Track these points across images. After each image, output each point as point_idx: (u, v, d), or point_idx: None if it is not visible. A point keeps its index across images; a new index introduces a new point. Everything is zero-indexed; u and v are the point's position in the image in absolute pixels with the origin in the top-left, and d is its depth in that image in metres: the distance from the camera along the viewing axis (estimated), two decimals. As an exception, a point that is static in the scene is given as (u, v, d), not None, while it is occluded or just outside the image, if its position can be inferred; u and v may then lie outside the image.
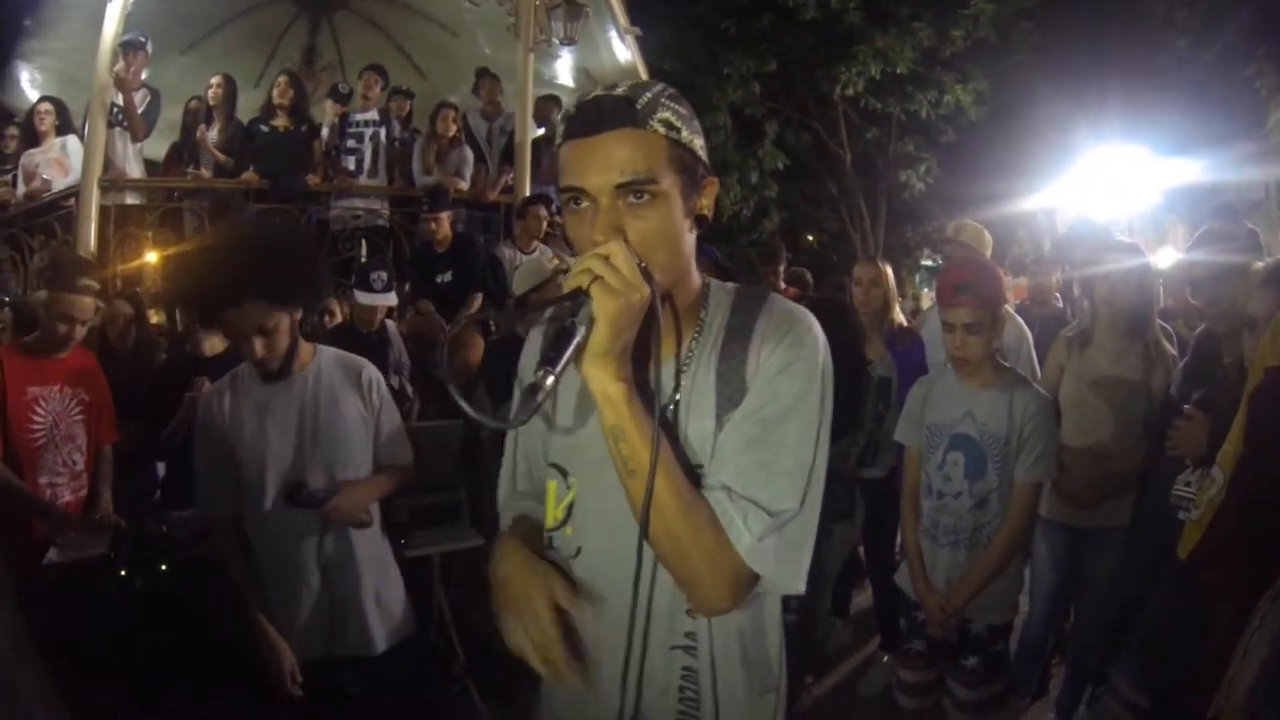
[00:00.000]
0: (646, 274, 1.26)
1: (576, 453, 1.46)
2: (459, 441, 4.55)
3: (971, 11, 13.55)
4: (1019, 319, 4.60)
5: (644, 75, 9.14)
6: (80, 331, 3.62)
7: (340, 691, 2.71)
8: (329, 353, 2.84)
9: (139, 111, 7.01)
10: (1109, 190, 12.73)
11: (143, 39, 6.91)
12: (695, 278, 1.46)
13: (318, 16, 9.53)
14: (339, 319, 5.63)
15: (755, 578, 1.35)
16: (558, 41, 7.94)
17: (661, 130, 1.31)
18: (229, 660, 2.84)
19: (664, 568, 1.36)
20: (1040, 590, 3.83)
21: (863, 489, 4.08)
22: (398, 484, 2.90)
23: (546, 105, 8.33)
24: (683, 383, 1.42)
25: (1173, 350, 3.66)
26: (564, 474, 1.50)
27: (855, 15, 13.89)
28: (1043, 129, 13.45)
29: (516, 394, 1.55)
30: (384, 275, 5.12)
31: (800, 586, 1.38)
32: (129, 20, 6.93)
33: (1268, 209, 12.73)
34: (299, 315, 2.68)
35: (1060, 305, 5.56)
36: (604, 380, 1.25)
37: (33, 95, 7.82)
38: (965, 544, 3.04)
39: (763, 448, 1.35)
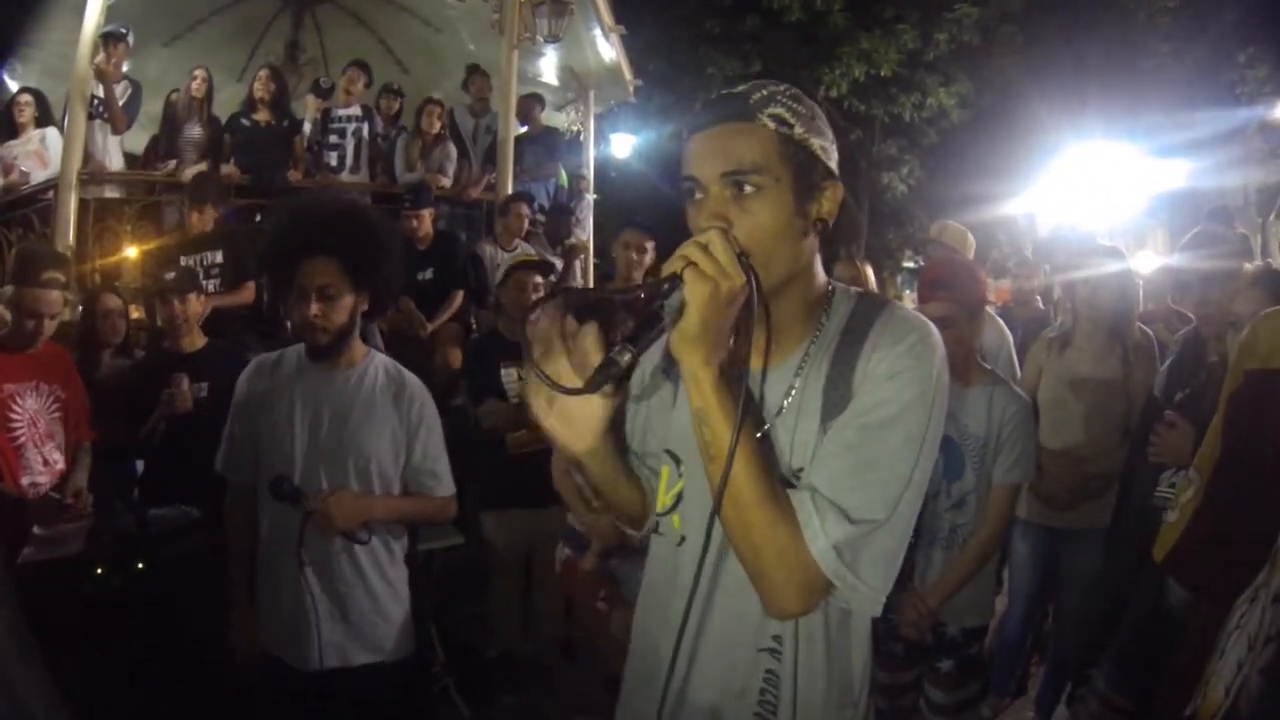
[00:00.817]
0: (746, 264, 1.25)
1: (690, 441, 1.43)
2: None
3: (955, 15, 13.61)
4: (1000, 321, 4.62)
5: (628, 75, 9.14)
6: (49, 326, 3.55)
7: (325, 700, 2.62)
8: (381, 360, 2.77)
9: (120, 104, 6.95)
10: (1090, 194, 12.82)
11: (124, 30, 6.83)
12: (816, 281, 1.45)
13: (301, 11, 9.44)
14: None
15: (829, 584, 1.31)
16: (542, 39, 7.90)
17: (771, 125, 1.33)
18: (204, 659, 2.82)
19: (737, 559, 1.35)
20: (1019, 590, 3.84)
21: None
22: (418, 514, 2.80)
23: (529, 103, 8.30)
24: (796, 385, 1.42)
25: (1154, 353, 3.68)
26: (677, 461, 1.50)
27: (840, 17, 13.94)
28: (1025, 132, 13.54)
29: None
30: None
31: (877, 607, 1.35)
32: (111, 12, 6.85)
33: (1248, 213, 12.86)
34: (364, 306, 2.65)
35: (1042, 307, 5.59)
36: (692, 363, 1.26)
37: (12, 86, 7.73)
38: (942, 544, 3.03)
39: (859, 454, 1.32)
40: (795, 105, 1.36)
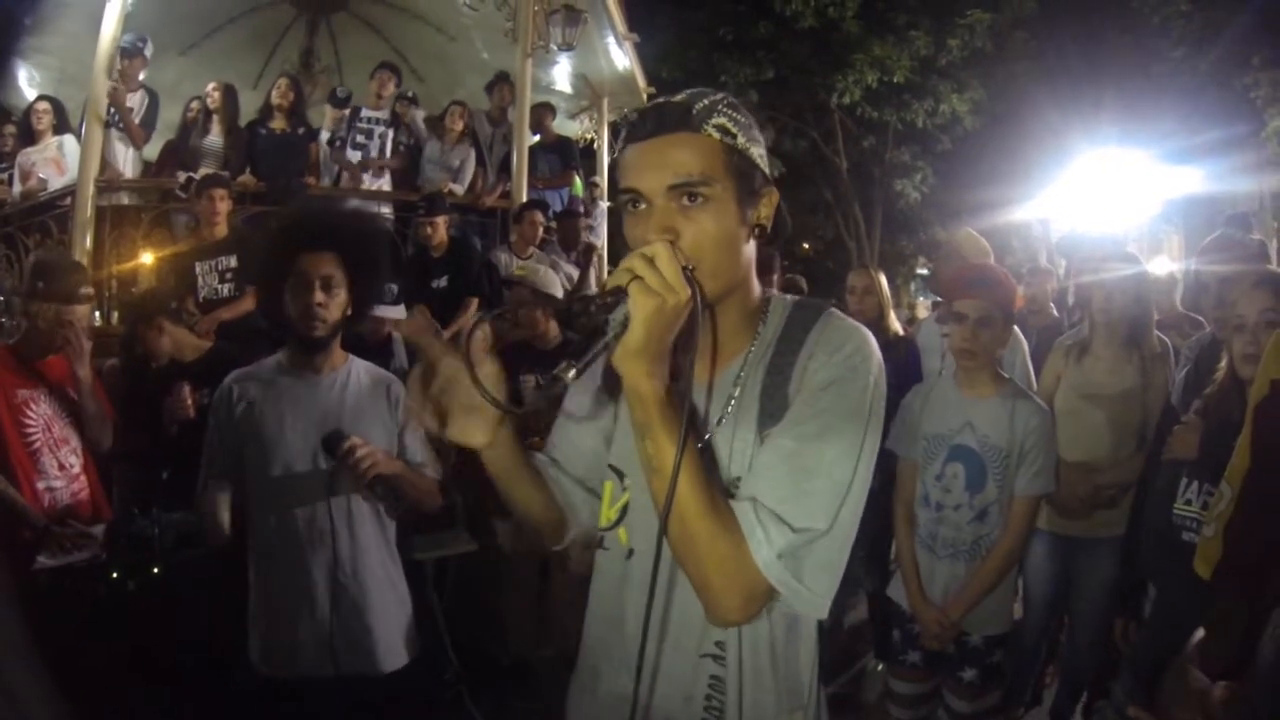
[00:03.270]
0: (691, 277, 1.25)
1: (634, 455, 1.44)
2: (455, 447, 4.52)
3: (968, 21, 13.60)
4: (1015, 328, 4.59)
5: (641, 82, 9.16)
6: (82, 337, 3.58)
7: (337, 711, 2.62)
8: (360, 362, 2.79)
9: (138, 114, 6.98)
10: (1104, 200, 12.76)
11: (141, 44, 6.88)
12: (755, 289, 1.47)
13: (316, 19, 9.50)
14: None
15: (770, 592, 1.32)
16: (556, 47, 7.93)
17: (716, 135, 1.34)
18: (216, 661, 2.82)
19: (681, 569, 1.35)
20: (1034, 599, 3.82)
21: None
22: (417, 485, 2.69)
23: (540, 112, 8.33)
24: (734, 395, 1.43)
25: (1170, 361, 3.65)
26: (621, 476, 1.51)
27: (852, 24, 13.95)
28: (1038, 138, 13.50)
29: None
30: (394, 288, 5.03)
31: (823, 611, 1.36)
32: (128, 20, 6.88)
33: (1262, 218, 12.77)
34: (349, 309, 2.68)
35: (1056, 315, 5.56)
36: (636, 377, 1.25)
37: (30, 93, 7.78)
38: (965, 556, 3.02)
39: (797, 462, 1.33)
40: (736, 115, 1.37)
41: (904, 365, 4.46)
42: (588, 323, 1.23)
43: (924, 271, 19.02)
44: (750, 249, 1.41)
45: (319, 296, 2.56)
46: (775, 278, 7.14)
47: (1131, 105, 12.64)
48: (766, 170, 1.41)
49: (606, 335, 1.22)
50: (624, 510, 1.50)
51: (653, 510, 1.37)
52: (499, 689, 4.06)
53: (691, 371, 1.34)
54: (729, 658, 1.43)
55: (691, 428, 1.28)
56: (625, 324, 1.22)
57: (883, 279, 4.82)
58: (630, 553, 1.49)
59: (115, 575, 3.22)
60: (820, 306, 1.48)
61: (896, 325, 4.86)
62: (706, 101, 1.35)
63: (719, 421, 1.43)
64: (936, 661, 3.10)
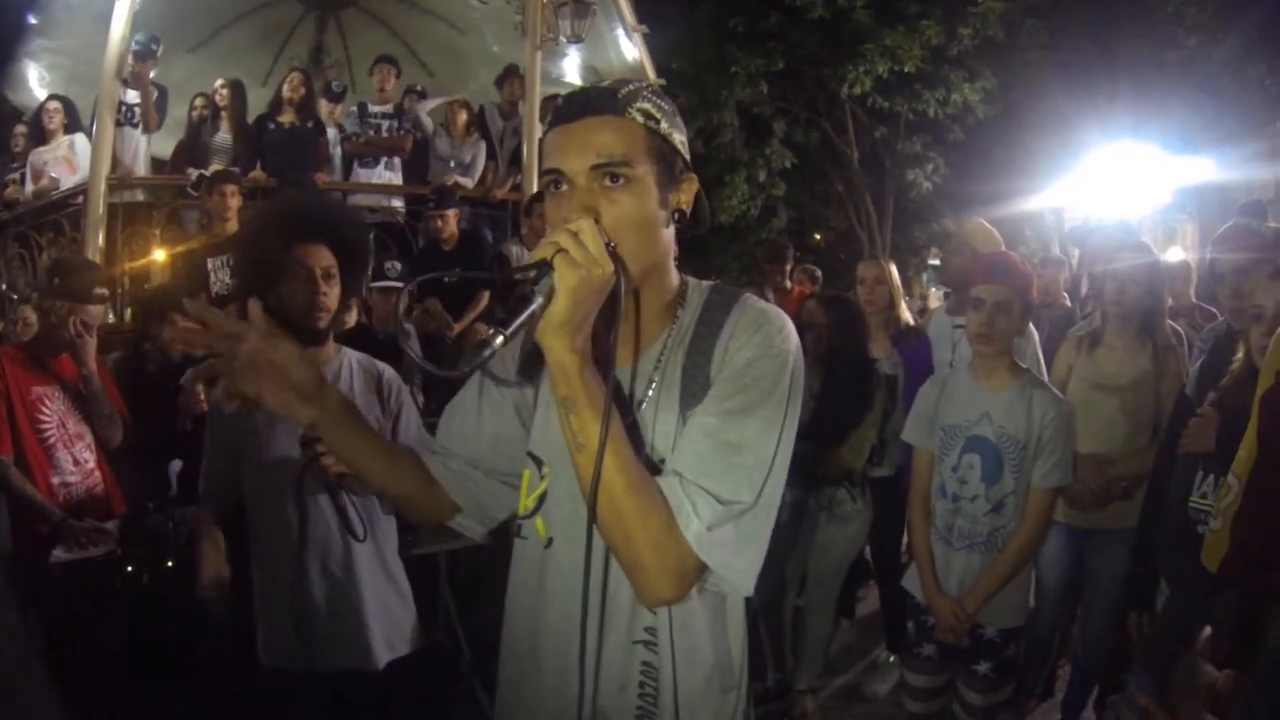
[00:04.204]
0: (614, 254, 1.28)
1: (553, 443, 1.46)
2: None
3: (980, 9, 13.47)
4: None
5: (651, 74, 9.12)
6: (90, 339, 3.61)
7: (340, 702, 2.62)
8: (351, 353, 2.79)
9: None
10: (1118, 189, 12.69)
11: (155, 46, 6.91)
12: (673, 275, 1.49)
13: (325, 15, 9.52)
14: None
15: (702, 568, 1.33)
16: (565, 39, 7.92)
17: (640, 119, 1.37)
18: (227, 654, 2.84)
19: (610, 551, 1.36)
20: (1047, 591, 3.81)
21: (870, 488, 4.07)
22: None
23: (550, 105, 8.31)
24: (655, 378, 1.44)
25: (1182, 351, 3.63)
26: (539, 464, 1.52)
27: (863, 13, 13.85)
28: (1051, 128, 13.40)
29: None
30: (397, 265, 5.12)
31: (750, 586, 1.38)
32: (137, 19, 6.90)
33: (1278, 207, 12.70)
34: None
35: (1068, 305, 5.54)
36: (559, 350, 1.25)
37: (41, 93, 7.82)
38: (981, 548, 3.01)
39: (722, 438, 1.35)
40: (660, 102, 1.41)
41: (915, 356, 4.45)
42: (515, 293, 1.25)
43: (936, 262, 18.92)
44: (669, 233, 1.43)
45: (324, 287, 2.56)
46: (789, 268, 7.18)
47: (1145, 93, 12.54)
48: (687, 157, 1.44)
49: (533, 304, 1.23)
50: (541, 499, 1.50)
51: (575, 498, 1.38)
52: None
53: (615, 347, 1.34)
54: (660, 643, 1.43)
55: (616, 403, 1.30)
56: (551, 295, 1.23)
57: (894, 269, 4.82)
58: (549, 542, 1.49)
59: (130, 569, 3.25)
60: (736, 292, 1.51)
61: (907, 316, 4.85)
62: (632, 87, 1.39)
63: (642, 404, 1.44)
64: (951, 654, 3.09)
